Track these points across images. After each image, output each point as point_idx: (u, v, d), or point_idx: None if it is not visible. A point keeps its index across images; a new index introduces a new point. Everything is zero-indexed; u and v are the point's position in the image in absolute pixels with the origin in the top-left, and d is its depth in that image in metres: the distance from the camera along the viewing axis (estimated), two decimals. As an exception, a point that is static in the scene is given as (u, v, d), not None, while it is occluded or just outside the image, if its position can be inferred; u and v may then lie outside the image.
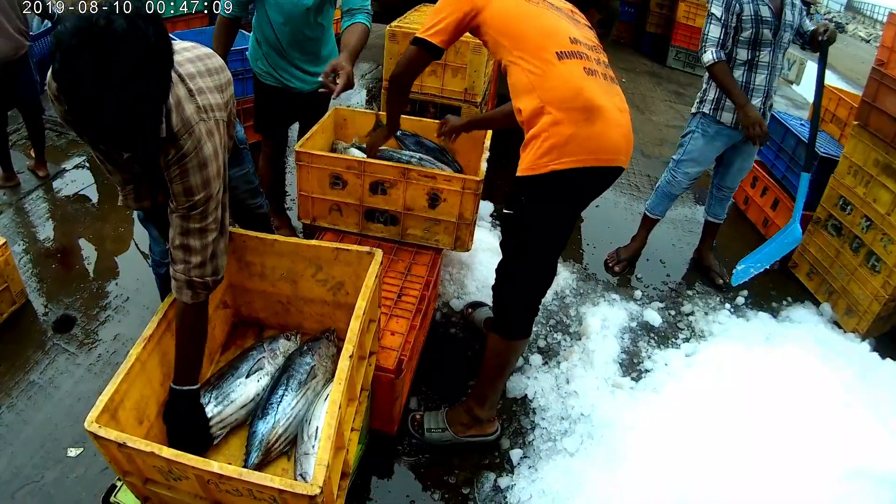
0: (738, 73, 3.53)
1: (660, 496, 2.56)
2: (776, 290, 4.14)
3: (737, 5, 3.40)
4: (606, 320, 3.62)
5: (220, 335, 2.53)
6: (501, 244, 2.53)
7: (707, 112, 3.67)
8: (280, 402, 2.18)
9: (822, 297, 4.08)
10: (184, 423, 2.08)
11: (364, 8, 3.05)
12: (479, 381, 2.77)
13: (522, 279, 2.48)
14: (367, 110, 3.60)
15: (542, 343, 3.44)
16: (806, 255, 4.24)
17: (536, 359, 3.30)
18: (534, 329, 3.41)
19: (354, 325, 2.00)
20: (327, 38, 3.34)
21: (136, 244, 3.91)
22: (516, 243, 2.46)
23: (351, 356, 1.93)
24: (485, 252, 3.91)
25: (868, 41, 13.03)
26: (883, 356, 3.44)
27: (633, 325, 3.68)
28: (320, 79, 2.59)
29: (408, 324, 2.72)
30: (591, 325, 3.51)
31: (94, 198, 4.37)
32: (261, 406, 2.20)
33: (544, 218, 2.35)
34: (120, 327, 3.29)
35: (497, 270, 2.55)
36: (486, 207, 4.50)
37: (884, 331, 3.82)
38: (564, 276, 3.97)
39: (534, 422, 2.99)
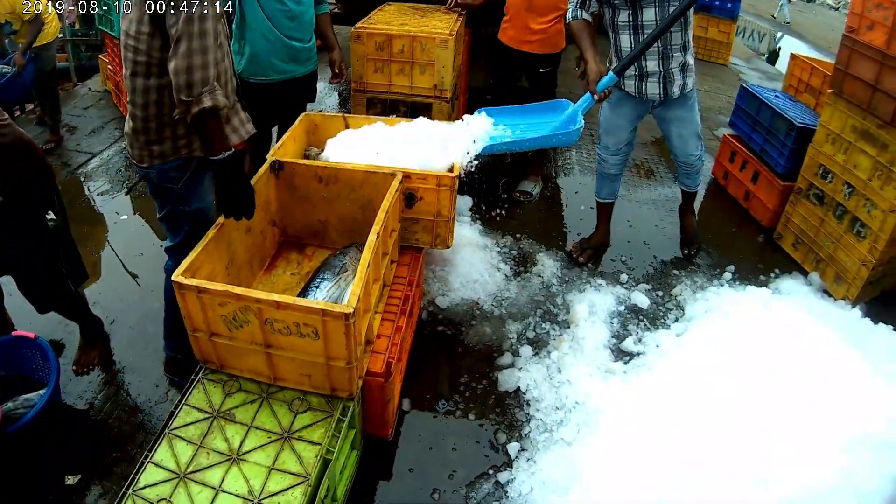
0: (625, 38, 3.39)
1: (661, 477, 2.54)
2: (763, 264, 4.13)
3: None
4: (594, 306, 3.59)
5: (271, 248, 3.08)
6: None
7: None
8: (319, 285, 2.65)
9: (809, 266, 4.06)
10: (241, 183, 2.39)
11: None
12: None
13: None
14: (337, 114, 3.56)
15: (530, 334, 3.42)
16: (790, 226, 4.22)
17: (527, 350, 3.28)
18: (522, 320, 3.46)
19: (380, 216, 2.53)
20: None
21: (121, 262, 3.87)
22: None
23: (378, 234, 2.45)
24: (466, 247, 3.90)
25: (836, 8, 13.07)
26: (875, 321, 3.42)
27: (622, 308, 3.66)
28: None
29: (393, 326, 2.72)
30: (578, 312, 3.48)
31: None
32: (302, 290, 2.67)
33: None
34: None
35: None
36: (465, 202, 4.48)
37: (874, 295, 3.82)
38: (549, 265, 3.95)
39: (528, 414, 2.98)
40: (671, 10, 3.18)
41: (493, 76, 4.71)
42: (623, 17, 3.34)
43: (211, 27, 2.17)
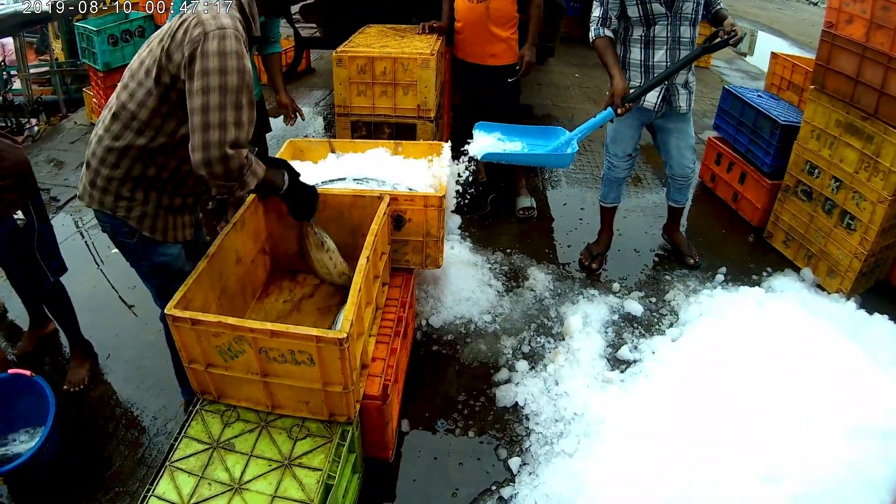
0: (636, 51, 3.52)
1: (667, 481, 2.55)
2: (754, 263, 4.14)
3: None
4: (588, 317, 3.60)
5: (263, 276, 3.06)
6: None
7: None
8: None
9: (801, 262, 4.09)
10: (307, 195, 2.56)
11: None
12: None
13: None
14: (323, 139, 3.57)
15: (525, 348, 3.43)
16: (780, 224, 4.25)
17: (522, 365, 3.28)
18: (516, 335, 3.47)
19: (370, 240, 2.53)
20: None
21: (118, 295, 3.86)
22: None
23: (368, 257, 2.44)
24: (457, 265, 3.91)
25: (815, 3, 13.13)
26: (870, 312, 3.46)
27: (615, 317, 3.66)
28: None
29: (388, 348, 2.72)
30: (572, 323, 3.49)
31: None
32: None
33: None
34: (106, 386, 3.23)
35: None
36: (454, 220, 4.46)
37: (868, 287, 3.86)
38: (540, 279, 3.95)
39: (528, 428, 2.98)
40: (681, 27, 3.42)
41: (461, 94, 4.75)
42: (637, 32, 3.48)
43: (246, 99, 1.98)
